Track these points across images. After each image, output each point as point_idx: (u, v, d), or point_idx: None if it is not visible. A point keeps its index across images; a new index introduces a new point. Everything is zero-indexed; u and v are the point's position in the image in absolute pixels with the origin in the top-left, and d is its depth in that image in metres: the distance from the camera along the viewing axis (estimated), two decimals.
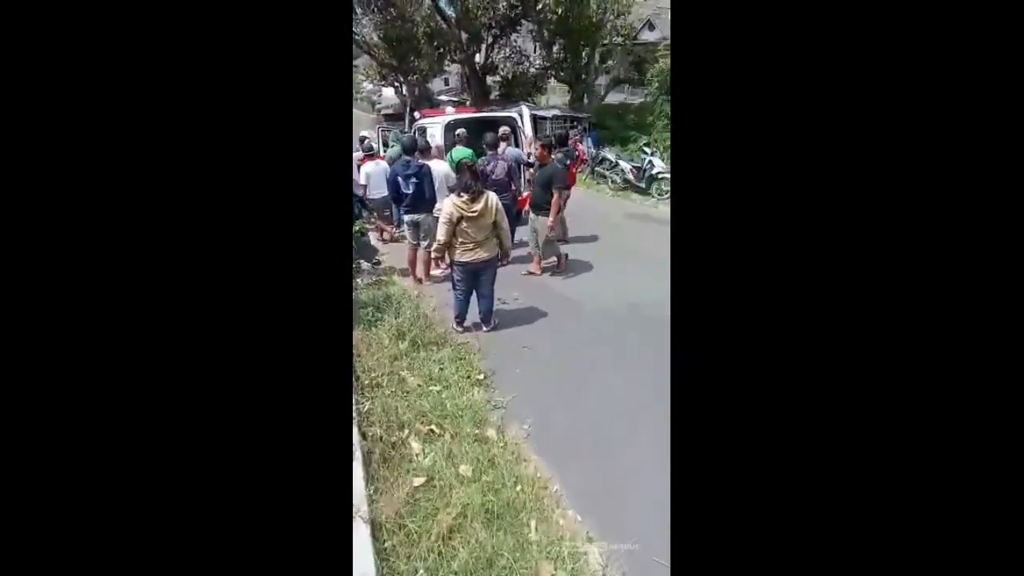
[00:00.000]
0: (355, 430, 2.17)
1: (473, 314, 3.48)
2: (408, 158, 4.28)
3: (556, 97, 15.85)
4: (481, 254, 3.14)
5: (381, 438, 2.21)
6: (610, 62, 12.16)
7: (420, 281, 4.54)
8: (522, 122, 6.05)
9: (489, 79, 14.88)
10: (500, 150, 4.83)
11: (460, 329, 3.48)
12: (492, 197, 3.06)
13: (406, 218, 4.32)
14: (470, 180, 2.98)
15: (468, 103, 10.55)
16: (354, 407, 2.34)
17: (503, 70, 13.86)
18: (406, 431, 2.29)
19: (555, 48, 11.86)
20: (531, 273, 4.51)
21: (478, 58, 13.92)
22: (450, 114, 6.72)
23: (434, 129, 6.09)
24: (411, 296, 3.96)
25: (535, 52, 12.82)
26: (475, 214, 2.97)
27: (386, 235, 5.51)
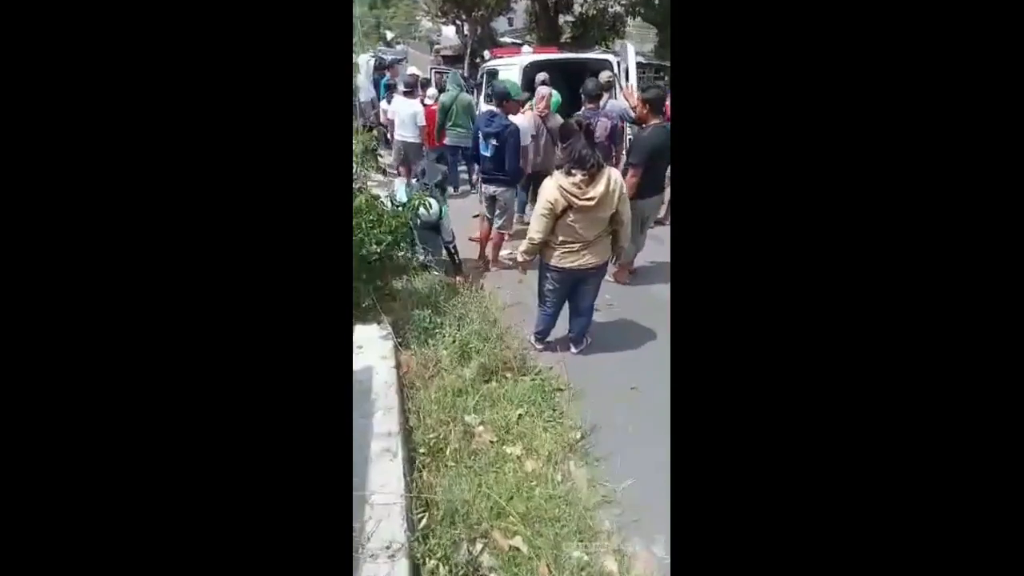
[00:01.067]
0: (402, 516, 1.39)
1: (557, 326, 2.59)
2: (493, 110, 3.33)
3: (638, 43, 13.89)
4: (589, 258, 2.17)
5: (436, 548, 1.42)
6: None
7: (486, 265, 3.66)
8: (619, 68, 4.79)
9: (561, 19, 13.15)
10: (602, 103, 3.69)
11: (540, 347, 2.61)
12: (615, 176, 2.03)
13: (483, 188, 3.46)
14: (585, 148, 1.96)
15: (535, 45, 9.16)
16: (403, 480, 1.54)
17: (582, 6, 12.07)
18: (477, 545, 1.48)
19: None
20: (618, 281, 3.34)
21: None
22: (527, 54, 5.54)
23: (508, 72, 4.97)
24: (474, 290, 3.09)
25: None
26: (590, 202, 1.97)
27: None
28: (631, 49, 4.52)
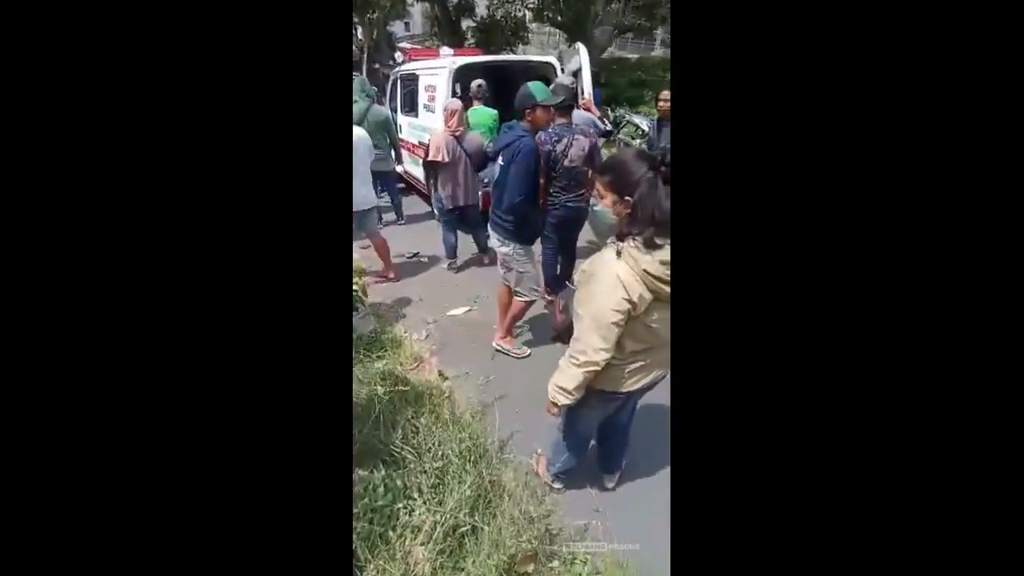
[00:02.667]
0: None
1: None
2: (515, 124, 2.32)
3: (539, 48, 13.46)
4: (656, 371, 1.32)
5: None
6: (614, 6, 9.97)
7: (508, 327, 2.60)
8: (562, 73, 4.02)
9: (464, 23, 12.32)
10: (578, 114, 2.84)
11: (559, 486, 1.72)
12: None
13: (490, 233, 2.41)
14: (666, 201, 1.08)
15: (454, 47, 8.14)
16: None
17: (489, 8, 11.31)
18: None
19: None
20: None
21: None
22: (446, 56, 4.56)
23: (432, 78, 3.98)
24: (460, 401, 2.11)
25: None
26: (668, 280, 1.08)
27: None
28: (583, 52, 3.77)
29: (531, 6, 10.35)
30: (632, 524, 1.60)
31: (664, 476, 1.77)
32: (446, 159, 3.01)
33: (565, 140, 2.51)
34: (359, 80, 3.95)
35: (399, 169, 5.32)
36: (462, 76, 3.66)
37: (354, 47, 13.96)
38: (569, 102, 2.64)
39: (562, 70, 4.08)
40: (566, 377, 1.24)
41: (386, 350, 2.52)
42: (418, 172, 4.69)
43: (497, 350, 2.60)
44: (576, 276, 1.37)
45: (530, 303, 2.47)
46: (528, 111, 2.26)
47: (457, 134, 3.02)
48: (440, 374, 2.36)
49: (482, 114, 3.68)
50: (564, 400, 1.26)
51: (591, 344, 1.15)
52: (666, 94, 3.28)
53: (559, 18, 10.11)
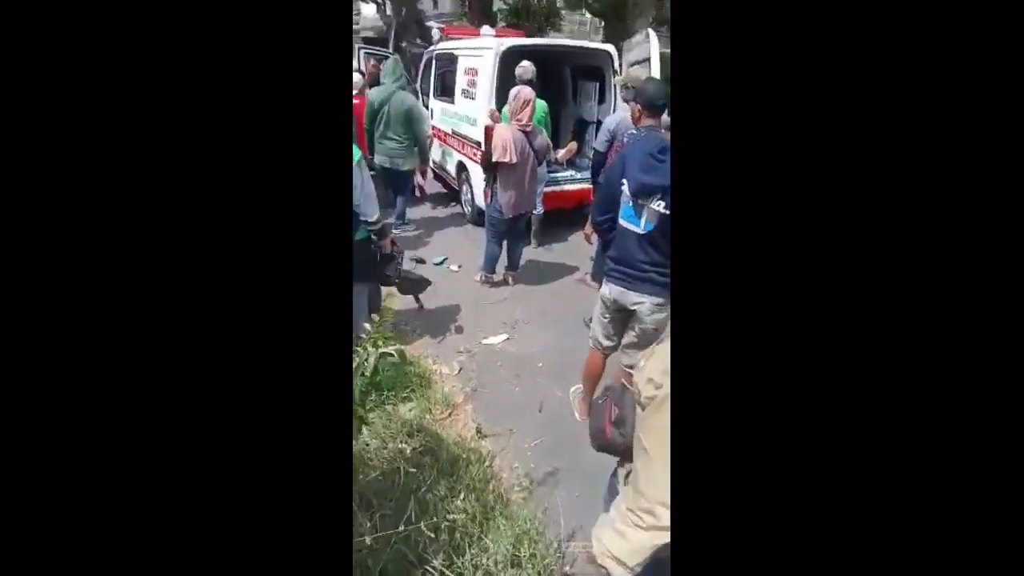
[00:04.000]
0: None
1: None
2: (659, 134, 1.80)
3: (569, 35, 12.73)
4: None
5: None
6: None
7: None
8: (618, 64, 3.45)
9: (496, 5, 11.62)
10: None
11: None
12: None
13: (611, 290, 1.65)
14: None
15: (497, 27, 7.34)
16: None
17: None
18: None
19: None
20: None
21: None
22: (487, 35, 3.99)
23: (474, 60, 3.42)
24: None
25: None
26: None
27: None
28: (654, 39, 3.19)
29: None
30: (549, 362, 1.62)
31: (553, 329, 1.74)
32: (514, 159, 2.45)
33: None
34: (392, 61, 3.41)
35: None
36: (512, 59, 3.12)
37: (381, 23, 13.30)
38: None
39: (621, 62, 3.51)
40: (625, 546, 0.80)
41: (412, 389, 2.06)
42: (447, 164, 4.16)
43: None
44: (639, 380, 0.87)
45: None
46: (639, 110, 1.88)
47: (528, 130, 2.47)
48: (478, 431, 1.89)
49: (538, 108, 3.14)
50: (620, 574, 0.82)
51: (665, 499, 0.72)
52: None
53: (596, 5, 9.39)
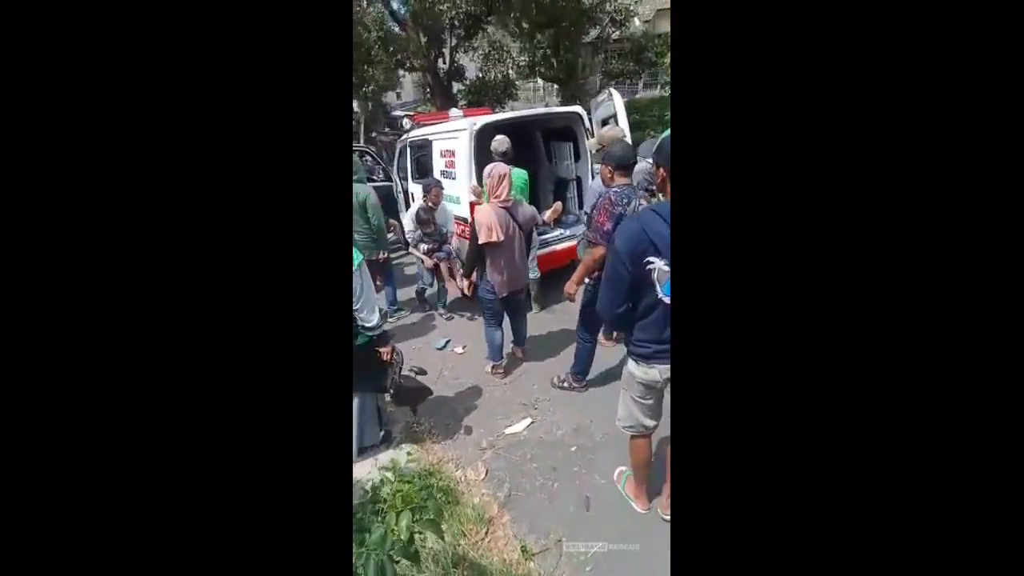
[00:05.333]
0: None
1: None
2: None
3: (525, 102, 13.47)
4: None
5: None
6: (602, 55, 9.86)
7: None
8: (591, 124, 3.49)
9: (455, 85, 12.33)
10: (634, 177, 2.18)
11: None
12: None
13: (644, 370, 1.42)
14: None
15: (464, 107, 7.65)
16: None
17: (481, 71, 11.28)
18: None
19: (537, 39, 9.33)
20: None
21: (441, 63, 11.34)
22: (458, 117, 4.07)
23: (450, 142, 3.43)
24: None
25: (516, 46, 10.25)
26: None
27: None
28: (617, 97, 3.25)
29: (521, 64, 10.23)
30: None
31: (578, 405, 1.67)
32: (500, 237, 2.32)
33: (633, 203, 1.97)
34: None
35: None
36: (486, 136, 3.12)
37: (352, 119, 13.99)
38: (633, 159, 2.11)
39: (590, 119, 3.56)
40: None
41: (440, 503, 1.77)
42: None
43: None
44: None
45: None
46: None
47: (508, 205, 2.36)
48: (524, 551, 1.60)
49: (513, 175, 3.11)
50: None
51: None
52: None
53: (550, 72, 9.97)
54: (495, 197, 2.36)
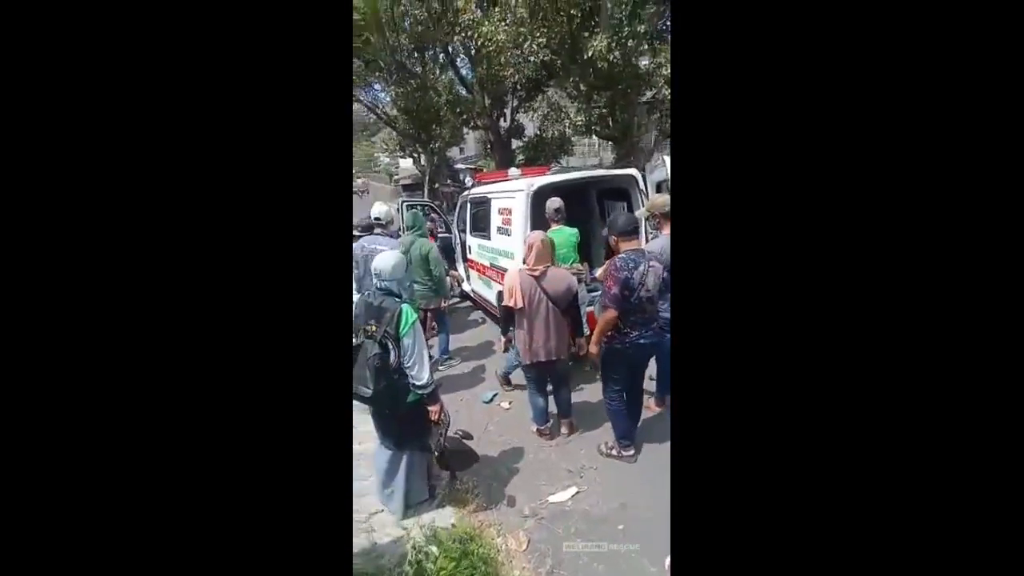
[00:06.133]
0: None
1: None
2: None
3: (580, 158, 13.90)
4: None
5: None
6: (657, 114, 10.06)
7: None
8: (646, 185, 3.54)
9: (514, 142, 13.03)
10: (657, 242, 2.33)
11: None
12: None
13: None
14: None
15: (522, 167, 8.06)
16: None
17: (540, 129, 11.89)
18: None
19: (594, 100, 9.75)
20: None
21: (502, 121, 12.11)
22: (516, 177, 4.29)
23: (508, 201, 3.60)
24: None
25: (574, 107, 10.78)
26: None
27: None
28: (667, 162, 3.29)
29: (578, 123, 10.68)
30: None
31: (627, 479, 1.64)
32: (519, 304, 2.35)
33: (642, 267, 2.09)
34: (412, 214, 3.66)
35: (467, 288, 4.90)
36: (544, 197, 3.25)
37: (417, 171, 15.09)
38: (635, 225, 2.30)
39: (644, 181, 3.60)
40: None
41: (475, 575, 1.70)
42: (487, 293, 4.19)
43: None
44: None
45: None
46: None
47: (535, 273, 2.37)
48: None
49: (564, 234, 3.18)
50: None
51: None
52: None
53: (605, 130, 10.30)
54: (526, 264, 2.40)
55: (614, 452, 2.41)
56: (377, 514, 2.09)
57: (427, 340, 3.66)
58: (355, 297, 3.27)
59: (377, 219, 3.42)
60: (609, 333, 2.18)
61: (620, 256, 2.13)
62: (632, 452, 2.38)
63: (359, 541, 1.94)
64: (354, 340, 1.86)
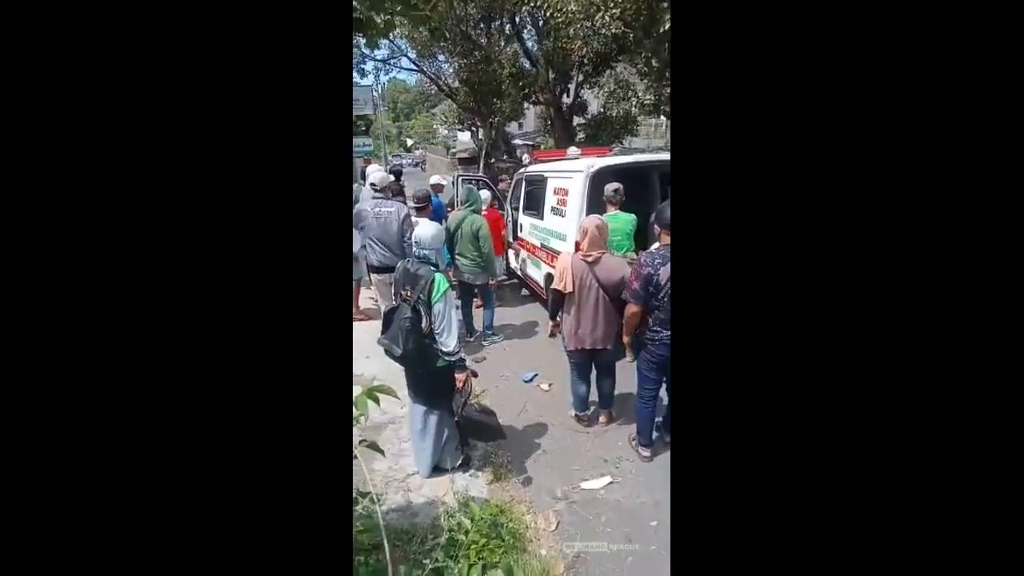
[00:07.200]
0: None
1: None
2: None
3: (646, 138, 13.23)
4: None
5: None
6: None
7: None
8: None
9: (576, 120, 12.61)
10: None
11: None
12: None
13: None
14: None
15: (583, 146, 7.66)
16: None
17: (605, 107, 11.44)
18: None
19: (666, 79, 9.18)
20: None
21: (565, 97, 11.72)
22: (575, 157, 4.15)
23: (565, 181, 3.50)
24: None
25: (643, 84, 10.23)
26: None
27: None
28: None
29: (647, 102, 10.14)
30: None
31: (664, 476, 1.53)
32: (569, 288, 2.28)
33: (668, 265, 1.96)
34: (467, 189, 3.67)
35: (514, 264, 4.89)
36: (603, 179, 3.12)
37: (474, 145, 15.10)
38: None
39: None
40: None
41: (504, 551, 1.74)
42: (535, 274, 4.15)
43: None
44: None
45: None
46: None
47: (589, 259, 2.28)
48: None
49: (620, 220, 3.06)
50: None
51: None
52: None
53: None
54: (580, 249, 2.31)
55: (634, 445, 2.36)
56: (414, 475, 2.19)
57: (471, 314, 3.75)
58: (355, 247, 3.42)
59: (373, 184, 3.49)
60: (639, 329, 2.14)
61: (647, 252, 2.06)
62: (648, 454, 2.31)
63: (396, 499, 2.04)
64: (392, 303, 1.97)
